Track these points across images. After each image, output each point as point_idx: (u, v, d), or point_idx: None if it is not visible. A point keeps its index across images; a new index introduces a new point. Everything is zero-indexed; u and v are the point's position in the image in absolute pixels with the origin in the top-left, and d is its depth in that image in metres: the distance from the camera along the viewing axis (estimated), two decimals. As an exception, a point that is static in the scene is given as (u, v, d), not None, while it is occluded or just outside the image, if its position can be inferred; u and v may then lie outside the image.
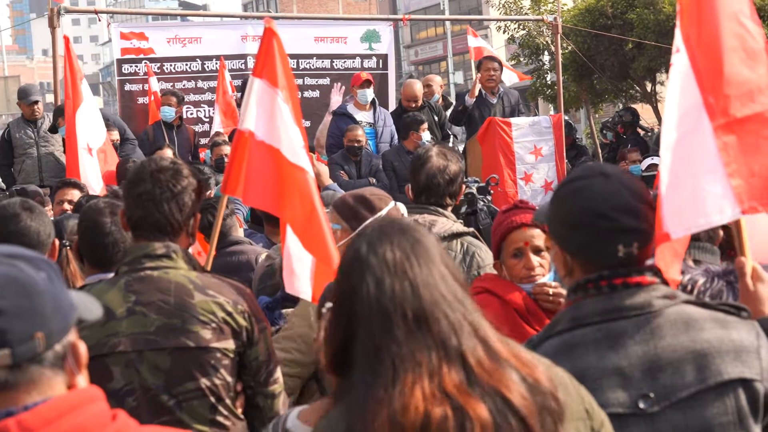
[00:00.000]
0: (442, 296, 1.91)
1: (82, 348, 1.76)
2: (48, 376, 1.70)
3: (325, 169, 7.83)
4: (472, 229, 4.73)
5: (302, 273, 3.81)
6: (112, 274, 3.55)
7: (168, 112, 11.23)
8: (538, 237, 3.75)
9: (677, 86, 2.84)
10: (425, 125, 10.01)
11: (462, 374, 1.86)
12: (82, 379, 1.76)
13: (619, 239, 2.42)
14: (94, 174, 7.60)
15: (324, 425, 1.97)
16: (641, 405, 2.33)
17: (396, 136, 10.66)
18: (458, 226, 4.62)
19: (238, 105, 11.22)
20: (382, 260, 1.92)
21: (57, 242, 3.90)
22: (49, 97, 13.32)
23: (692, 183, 2.74)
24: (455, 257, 4.44)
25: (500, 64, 11.28)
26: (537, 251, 3.78)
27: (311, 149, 11.58)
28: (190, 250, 3.47)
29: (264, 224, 6.06)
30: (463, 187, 4.89)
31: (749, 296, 2.65)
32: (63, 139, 9.88)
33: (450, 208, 4.74)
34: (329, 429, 1.93)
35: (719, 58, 2.84)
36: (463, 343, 1.88)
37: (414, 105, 10.91)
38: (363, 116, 10.68)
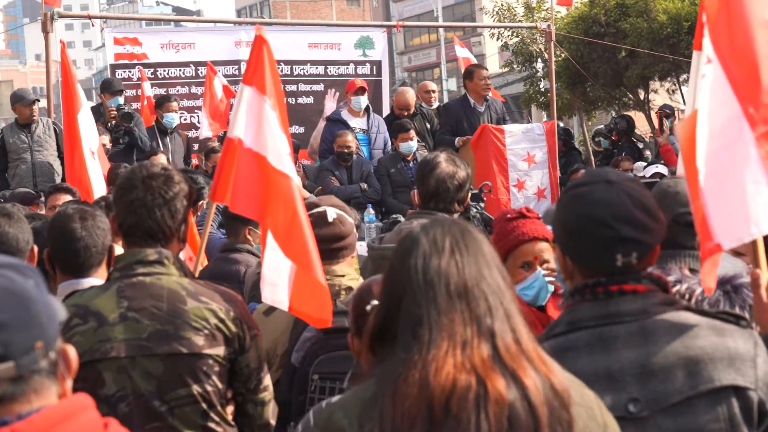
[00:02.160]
0: (484, 279, 2.01)
1: (72, 352, 1.76)
2: (46, 385, 1.70)
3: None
4: None
5: (280, 282, 3.78)
6: (85, 280, 3.56)
7: (172, 119, 11.20)
8: (547, 251, 3.82)
9: (709, 96, 2.84)
10: (408, 134, 10.03)
11: (490, 351, 1.96)
12: (70, 383, 1.76)
13: (617, 248, 2.41)
14: (98, 177, 7.58)
15: (352, 391, 2.07)
16: (631, 409, 2.33)
17: (389, 143, 10.68)
18: None
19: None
20: (432, 240, 2.04)
21: (35, 249, 3.87)
22: (42, 102, 13.26)
23: (738, 193, 2.74)
24: None
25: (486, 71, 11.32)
26: (542, 263, 3.85)
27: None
28: (181, 255, 3.46)
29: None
30: (469, 194, 4.88)
31: (763, 308, 2.65)
32: (58, 144, 9.85)
33: (457, 215, 4.73)
34: (355, 395, 2.03)
35: (755, 68, 2.84)
36: (495, 324, 1.98)
37: (406, 113, 10.92)
38: (357, 123, 10.69)
